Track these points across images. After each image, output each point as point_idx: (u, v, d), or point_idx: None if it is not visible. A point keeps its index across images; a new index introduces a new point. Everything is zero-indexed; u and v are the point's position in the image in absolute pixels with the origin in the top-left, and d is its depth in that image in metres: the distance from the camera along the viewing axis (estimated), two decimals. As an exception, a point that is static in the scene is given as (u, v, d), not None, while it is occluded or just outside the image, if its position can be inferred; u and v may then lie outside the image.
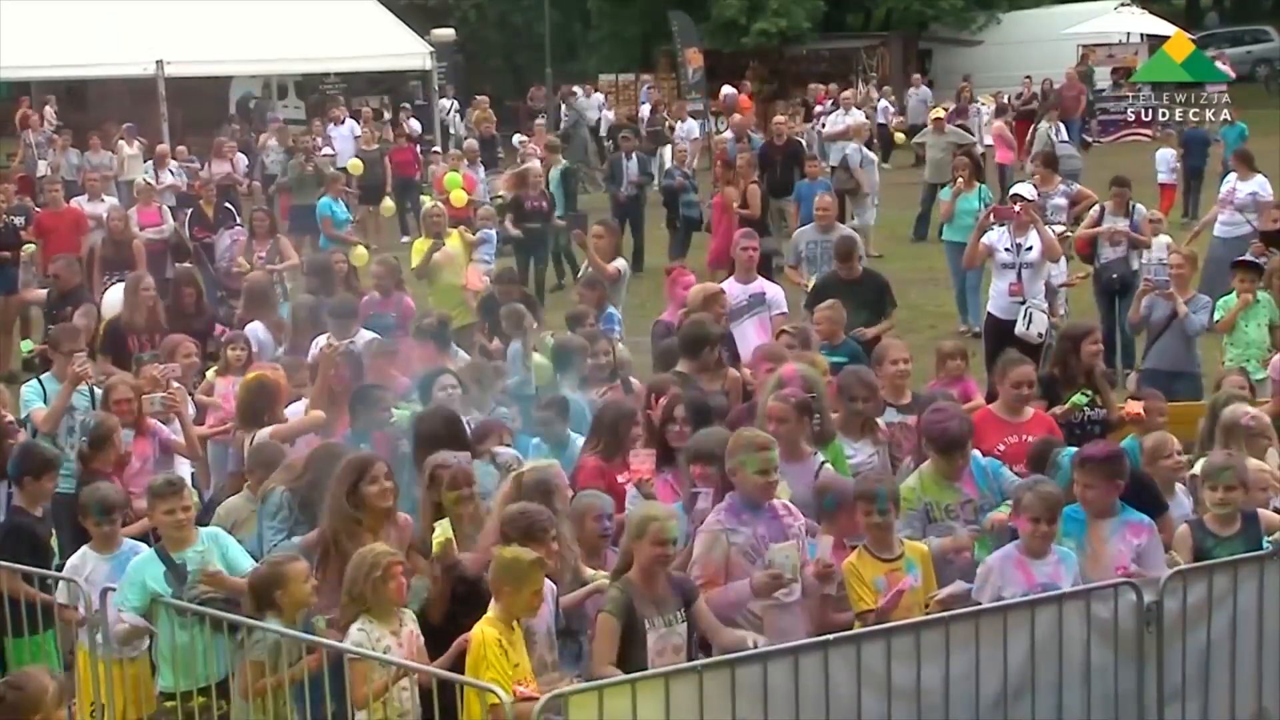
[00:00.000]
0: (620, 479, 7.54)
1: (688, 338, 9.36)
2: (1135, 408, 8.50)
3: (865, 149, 21.61)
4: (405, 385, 9.49)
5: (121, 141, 23.52)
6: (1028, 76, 31.26)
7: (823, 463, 7.53)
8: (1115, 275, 13.47)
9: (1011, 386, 8.18)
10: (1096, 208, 14.16)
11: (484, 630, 5.82)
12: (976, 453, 7.52)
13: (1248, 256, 12.35)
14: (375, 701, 5.90)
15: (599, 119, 32.38)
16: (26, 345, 10.32)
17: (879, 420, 8.37)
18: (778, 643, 6.12)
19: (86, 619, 6.81)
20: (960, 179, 16.33)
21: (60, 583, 7.01)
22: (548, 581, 6.20)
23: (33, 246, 14.39)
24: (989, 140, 25.31)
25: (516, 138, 27.48)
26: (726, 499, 6.77)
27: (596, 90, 35.24)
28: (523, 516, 6.31)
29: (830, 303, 10.12)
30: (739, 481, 6.72)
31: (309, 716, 6.18)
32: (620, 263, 12.91)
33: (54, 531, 7.70)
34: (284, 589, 6.27)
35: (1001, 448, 7.97)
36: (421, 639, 6.24)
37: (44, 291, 13.37)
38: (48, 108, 27.14)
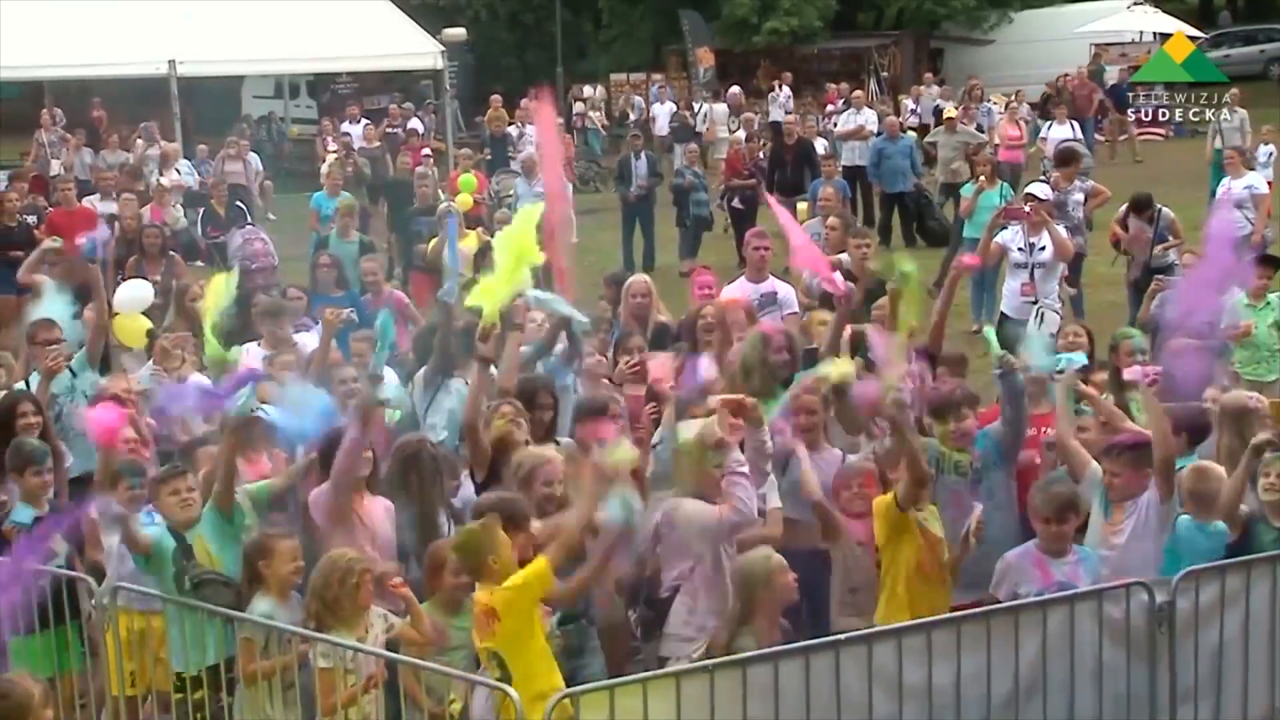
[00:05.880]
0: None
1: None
2: None
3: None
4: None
5: (140, 141, 23.54)
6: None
7: (843, 455, 7.66)
8: (1148, 272, 13.46)
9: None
10: (1124, 208, 14.15)
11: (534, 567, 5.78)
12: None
13: (1267, 252, 12.36)
14: (349, 708, 5.94)
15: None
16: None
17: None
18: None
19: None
20: (983, 175, 16.31)
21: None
22: None
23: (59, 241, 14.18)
24: (997, 139, 25.20)
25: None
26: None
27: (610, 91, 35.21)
28: (500, 503, 6.40)
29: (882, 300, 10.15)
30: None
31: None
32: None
33: None
34: (268, 560, 6.44)
35: None
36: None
37: (48, 280, 13.24)
38: (95, 112, 27.20)
